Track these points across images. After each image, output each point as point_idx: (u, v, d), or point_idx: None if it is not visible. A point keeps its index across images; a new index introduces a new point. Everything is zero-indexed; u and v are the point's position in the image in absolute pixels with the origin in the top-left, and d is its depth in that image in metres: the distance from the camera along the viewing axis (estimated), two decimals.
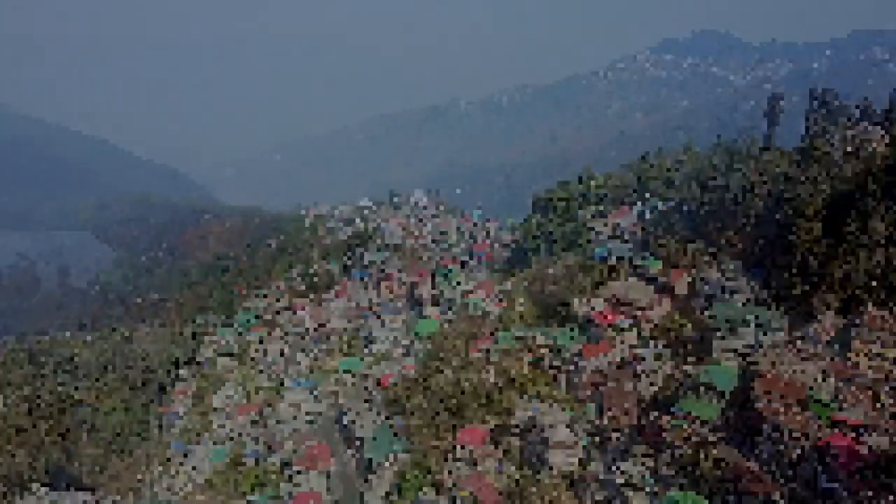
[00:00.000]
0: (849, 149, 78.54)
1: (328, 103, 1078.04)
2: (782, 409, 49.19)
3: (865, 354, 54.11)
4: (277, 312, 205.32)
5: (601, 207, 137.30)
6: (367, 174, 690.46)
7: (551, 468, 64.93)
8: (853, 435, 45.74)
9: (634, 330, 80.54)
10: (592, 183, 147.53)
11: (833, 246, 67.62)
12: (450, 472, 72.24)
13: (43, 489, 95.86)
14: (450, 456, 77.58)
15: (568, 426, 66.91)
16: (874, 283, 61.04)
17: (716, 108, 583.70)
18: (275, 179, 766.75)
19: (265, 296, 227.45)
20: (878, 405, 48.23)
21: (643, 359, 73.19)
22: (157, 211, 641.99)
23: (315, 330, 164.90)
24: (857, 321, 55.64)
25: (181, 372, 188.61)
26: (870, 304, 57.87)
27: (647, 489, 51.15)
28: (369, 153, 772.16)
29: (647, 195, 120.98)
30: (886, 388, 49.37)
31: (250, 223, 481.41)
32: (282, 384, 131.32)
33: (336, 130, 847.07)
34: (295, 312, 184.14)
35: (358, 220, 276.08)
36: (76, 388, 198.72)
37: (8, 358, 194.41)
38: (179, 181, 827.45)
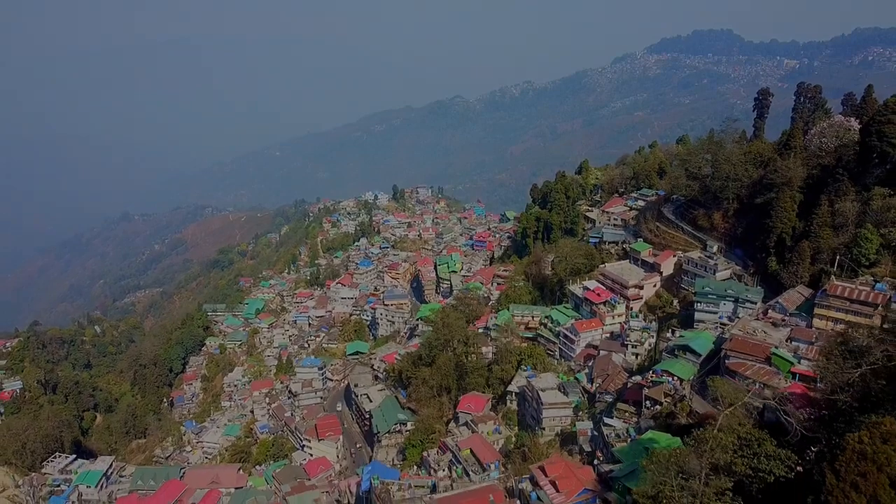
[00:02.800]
0: (824, 138, 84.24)
1: (329, 101, 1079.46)
2: (749, 365, 55.01)
3: (826, 318, 59.90)
4: (283, 302, 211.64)
5: (597, 198, 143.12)
6: (368, 171, 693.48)
7: (545, 428, 70.95)
8: (808, 385, 51.50)
9: (624, 306, 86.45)
10: (589, 175, 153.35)
11: (806, 226, 73.45)
12: (452, 435, 78.14)
13: (69, 457, 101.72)
14: (452, 422, 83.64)
15: (560, 390, 72.88)
16: (841, 258, 66.75)
17: (716, 105, 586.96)
18: (276, 176, 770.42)
19: (271, 286, 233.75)
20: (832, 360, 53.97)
21: (631, 331, 79.05)
22: (157, 206, 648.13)
23: (321, 317, 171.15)
24: (821, 291, 61.42)
25: (190, 358, 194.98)
26: (833, 276, 63.59)
27: (630, 438, 56.99)
28: (371, 150, 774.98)
29: (641, 185, 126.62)
30: (840, 348, 55.11)
31: (252, 218, 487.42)
32: (291, 364, 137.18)
33: (337, 128, 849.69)
34: (301, 301, 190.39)
35: (362, 214, 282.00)
36: (89, 376, 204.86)
37: (21, 345, 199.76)
38: (180, 177, 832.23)
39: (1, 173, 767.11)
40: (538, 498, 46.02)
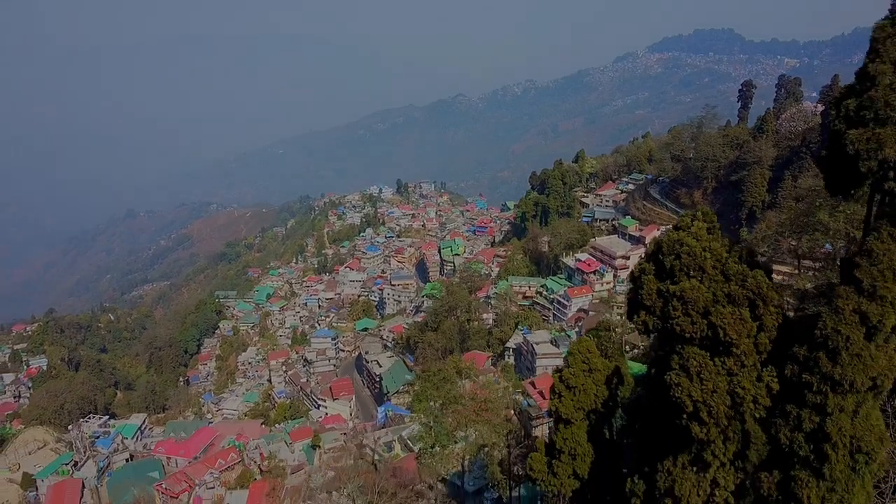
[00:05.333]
0: (793, 122, 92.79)
1: (332, 100, 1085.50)
2: None
3: (779, 273, 68.64)
4: (292, 289, 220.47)
5: (593, 185, 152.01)
6: (371, 169, 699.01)
7: (537, 375, 79.70)
8: None
9: (612, 275, 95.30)
10: (585, 164, 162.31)
11: (773, 199, 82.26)
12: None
13: (103, 417, 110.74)
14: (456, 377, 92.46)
15: (552, 343, 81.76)
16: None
17: (717, 104, 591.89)
18: (279, 174, 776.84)
19: (280, 275, 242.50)
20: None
21: (618, 295, 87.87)
22: (162, 203, 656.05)
23: (330, 299, 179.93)
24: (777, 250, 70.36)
25: (204, 340, 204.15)
26: (786, 237, 72.38)
27: None
28: (374, 148, 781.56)
29: (632, 171, 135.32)
30: (788, 293, 63.99)
31: (258, 214, 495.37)
32: (305, 337, 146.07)
33: (340, 126, 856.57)
34: (311, 285, 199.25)
35: (367, 207, 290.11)
36: (107, 358, 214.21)
37: (41, 329, 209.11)
38: (184, 175, 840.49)
39: (6, 170, 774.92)
40: (529, 405, 54.76)
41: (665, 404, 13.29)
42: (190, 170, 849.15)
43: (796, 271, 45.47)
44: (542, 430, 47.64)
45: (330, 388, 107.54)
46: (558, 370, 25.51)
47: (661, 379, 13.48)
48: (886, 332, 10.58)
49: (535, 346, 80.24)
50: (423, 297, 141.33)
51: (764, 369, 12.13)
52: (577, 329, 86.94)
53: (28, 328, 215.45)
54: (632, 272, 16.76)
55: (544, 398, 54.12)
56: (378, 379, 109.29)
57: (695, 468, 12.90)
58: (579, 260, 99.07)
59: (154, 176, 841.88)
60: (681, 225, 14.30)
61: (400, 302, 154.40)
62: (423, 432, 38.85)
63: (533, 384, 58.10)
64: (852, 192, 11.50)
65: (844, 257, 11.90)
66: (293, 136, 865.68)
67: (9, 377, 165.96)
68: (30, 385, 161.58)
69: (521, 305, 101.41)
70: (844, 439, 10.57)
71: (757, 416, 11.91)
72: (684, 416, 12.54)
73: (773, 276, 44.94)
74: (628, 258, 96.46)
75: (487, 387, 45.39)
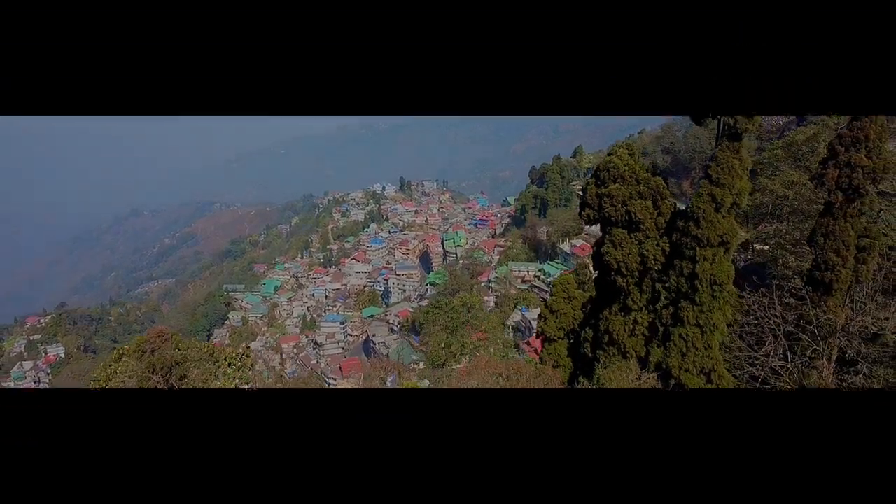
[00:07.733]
0: (775, 116, 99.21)
1: None
2: None
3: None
4: (298, 282, 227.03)
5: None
6: (373, 169, 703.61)
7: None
8: None
9: None
10: (583, 159, 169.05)
11: (754, 185, 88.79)
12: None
13: None
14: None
15: None
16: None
17: None
18: (281, 173, 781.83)
19: (286, 269, 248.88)
20: None
21: None
22: (165, 202, 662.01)
23: (337, 290, 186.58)
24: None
25: (214, 330, 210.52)
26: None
27: None
28: (376, 148, 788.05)
29: None
30: None
31: (261, 212, 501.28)
32: (315, 322, 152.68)
33: (341, 126, 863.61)
34: (318, 277, 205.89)
35: (370, 204, 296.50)
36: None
37: (55, 321, 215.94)
38: (187, 174, 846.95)
39: (8, 169, 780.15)
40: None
41: (603, 269, 19.67)
42: (192, 170, 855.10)
43: None
44: None
45: (340, 367, 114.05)
46: (544, 300, 31.87)
47: (600, 252, 19.96)
48: (727, 207, 17.08)
49: (532, 321, 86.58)
50: (427, 285, 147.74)
51: (661, 239, 18.53)
52: None
53: (41, 320, 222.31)
54: (582, 188, 23.18)
55: (538, 354, 60.62)
56: (385, 359, 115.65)
57: (622, 313, 19.36)
58: (575, 245, 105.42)
59: (157, 175, 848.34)
60: (612, 153, 20.79)
61: (404, 291, 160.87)
62: (436, 350, 45.27)
63: (528, 343, 64.57)
64: (703, 120, 17.93)
65: (705, 164, 18.36)
66: (295, 137, 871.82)
67: (28, 364, 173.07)
68: (48, 371, 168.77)
69: (519, 288, 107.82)
70: (706, 276, 16.96)
71: (656, 269, 18.35)
72: (612, 272, 18.95)
73: None
74: None
75: (487, 320, 52.03)
